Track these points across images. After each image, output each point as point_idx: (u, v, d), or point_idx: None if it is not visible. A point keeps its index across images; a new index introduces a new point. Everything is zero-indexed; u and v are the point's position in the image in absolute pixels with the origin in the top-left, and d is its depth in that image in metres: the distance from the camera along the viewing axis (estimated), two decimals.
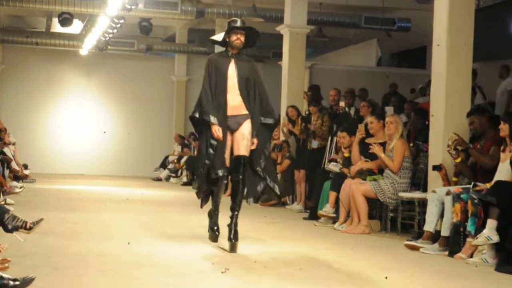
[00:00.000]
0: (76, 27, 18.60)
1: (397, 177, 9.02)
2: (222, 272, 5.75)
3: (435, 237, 7.78)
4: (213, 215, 7.53)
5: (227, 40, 7.28)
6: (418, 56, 18.70)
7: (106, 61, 21.27)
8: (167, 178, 19.80)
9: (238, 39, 7.19)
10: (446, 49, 8.64)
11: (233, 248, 6.94)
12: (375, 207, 9.53)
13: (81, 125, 21.74)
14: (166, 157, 20.55)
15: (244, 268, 6.19)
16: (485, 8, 12.57)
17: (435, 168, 8.40)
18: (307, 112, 13.07)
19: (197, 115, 7.31)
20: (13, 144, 15.16)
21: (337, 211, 9.76)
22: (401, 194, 8.98)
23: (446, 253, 7.44)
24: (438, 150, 8.61)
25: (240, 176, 7.12)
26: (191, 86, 21.92)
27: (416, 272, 6.44)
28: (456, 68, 8.64)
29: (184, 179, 18.58)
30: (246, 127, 7.20)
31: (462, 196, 7.50)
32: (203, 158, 7.25)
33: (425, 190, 8.82)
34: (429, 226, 7.86)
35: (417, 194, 8.88)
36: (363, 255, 7.30)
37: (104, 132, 21.09)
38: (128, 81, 21.86)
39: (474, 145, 8.15)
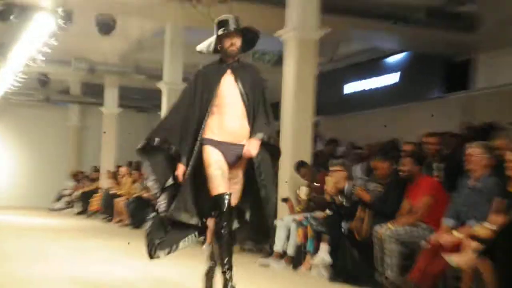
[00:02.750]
0: None
1: None
2: None
3: (282, 255, 7.99)
4: (207, 278, 4.93)
5: (219, 47, 4.74)
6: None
7: (10, 108, 20.53)
8: (63, 209, 19.22)
9: (233, 45, 4.66)
10: (292, 105, 8.88)
11: None
12: None
13: None
14: (61, 192, 19.99)
15: None
16: (324, 73, 13.00)
17: (284, 200, 8.64)
18: None
19: (156, 140, 4.72)
20: None
21: None
22: None
23: (291, 267, 7.67)
24: (284, 186, 8.85)
25: (224, 222, 4.55)
26: (83, 132, 21.63)
27: (269, 284, 6.51)
28: (302, 121, 8.89)
29: (78, 209, 18.19)
30: (239, 171, 4.69)
31: (303, 222, 7.80)
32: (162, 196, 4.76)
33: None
34: (278, 247, 8.04)
35: None
36: None
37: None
38: (28, 125, 21.18)
39: None
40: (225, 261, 4.52)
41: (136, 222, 13.63)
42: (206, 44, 4.83)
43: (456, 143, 8.23)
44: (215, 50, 4.80)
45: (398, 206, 6.73)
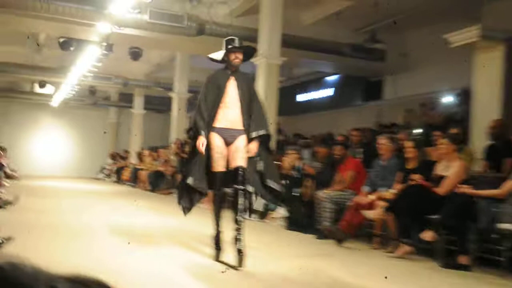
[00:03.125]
0: (49, 89, 17.67)
1: None
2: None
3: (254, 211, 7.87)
4: (214, 234, 4.38)
5: (226, 59, 4.56)
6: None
7: (69, 109, 20.20)
8: (104, 178, 18.94)
9: (236, 58, 4.54)
10: None
11: (240, 263, 3.92)
12: None
13: (53, 145, 20.58)
14: (103, 166, 19.73)
15: None
16: (284, 87, 12.94)
17: None
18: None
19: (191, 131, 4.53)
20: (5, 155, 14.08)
21: None
22: None
23: (259, 219, 7.52)
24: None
25: (241, 187, 4.15)
26: (119, 126, 21.34)
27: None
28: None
29: (114, 179, 17.88)
30: (240, 142, 4.36)
31: None
32: (188, 168, 4.57)
33: None
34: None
35: None
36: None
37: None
38: (82, 121, 20.84)
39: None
40: (238, 220, 4.05)
41: (154, 188, 13.60)
42: (217, 55, 4.60)
43: (371, 136, 8.24)
44: (222, 60, 4.58)
45: (332, 178, 6.71)
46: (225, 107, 4.43)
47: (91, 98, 19.44)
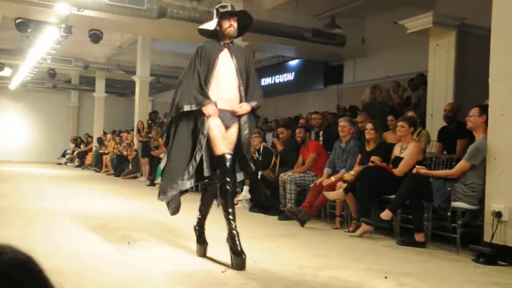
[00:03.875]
0: (6, 71, 16.95)
1: None
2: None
3: None
4: (198, 226, 3.80)
5: (218, 29, 3.67)
6: None
7: (28, 93, 19.50)
8: (65, 163, 18.48)
9: (231, 26, 3.63)
10: None
11: (241, 265, 3.28)
12: None
13: (12, 130, 19.78)
14: (65, 151, 19.19)
15: None
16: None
17: None
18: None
19: (187, 106, 3.52)
20: None
21: None
22: None
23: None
24: None
25: (227, 178, 3.43)
26: (80, 110, 20.80)
27: None
28: None
29: (76, 164, 17.46)
30: (234, 129, 3.62)
31: None
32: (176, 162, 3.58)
33: None
34: None
35: None
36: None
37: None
38: (42, 104, 20.14)
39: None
40: (230, 212, 3.38)
41: (117, 172, 13.37)
42: (209, 25, 3.72)
43: (332, 119, 8.31)
44: (212, 34, 3.71)
45: (295, 160, 6.75)
46: (218, 85, 3.61)
47: (50, 81, 18.83)
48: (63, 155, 19.06)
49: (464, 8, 7.34)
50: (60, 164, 18.41)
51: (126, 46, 14.57)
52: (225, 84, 3.62)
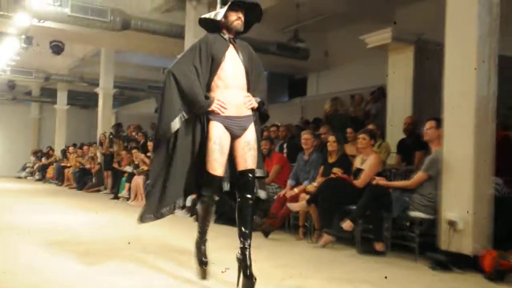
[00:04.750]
0: None
1: None
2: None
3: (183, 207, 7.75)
4: (200, 245, 3.38)
5: (222, 20, 3.12)
6: None
7: None
8: (26, 177, 17.92)
9: (239, 18, 3.14)
10: None
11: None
12: None
13: None
14: (25, 164, 18.64)
15: None
16: None
17: None
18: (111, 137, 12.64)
19: (183, 114, 3.02)
20: None
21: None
22: None
23: (189, 215, 7.43)
24: None
25: (249, 196, 3.09)
26: (41, 122, 20.28)
27: (172, 225, 6.01)
28: None
29: (37, 177, 16.93)
30: (251, 134, 3.09)
31: None
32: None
33: None
34: None
35: None
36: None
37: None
38: (1, 117, 19.49)
39: None
40: (248, 228, 3.06)
41: (80, 185, 13.10)
42: (213, 13, 3.15)
43: (296, 131, 8.41)
44: (214, 27, 3.17)
45: None
46: (225, 87, 3.08)
47: (10, 92, 18.33)
48: (23, 169, 18.51)
49: (422, 24, 7.62)
50: (20, 177, 17.88)
51: (89, 58, 14.36)
52: (233, 86, 3.09)
